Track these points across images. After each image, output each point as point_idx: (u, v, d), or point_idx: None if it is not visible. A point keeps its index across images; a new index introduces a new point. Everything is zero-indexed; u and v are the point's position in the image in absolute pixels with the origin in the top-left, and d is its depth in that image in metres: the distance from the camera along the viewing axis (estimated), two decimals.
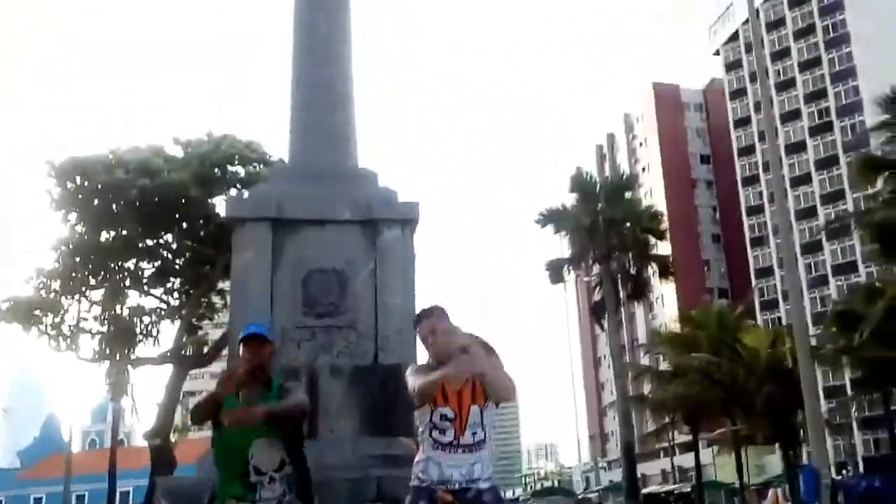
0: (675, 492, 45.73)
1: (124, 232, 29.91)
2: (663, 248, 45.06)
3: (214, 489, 4.15)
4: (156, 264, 32.17)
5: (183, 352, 33.20)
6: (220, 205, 29.59)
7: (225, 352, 27.74)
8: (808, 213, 65.93)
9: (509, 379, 4.20)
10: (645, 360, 59.26)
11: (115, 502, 35.28)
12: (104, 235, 30.19)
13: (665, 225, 43.46)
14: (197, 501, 5.31)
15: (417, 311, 4.48)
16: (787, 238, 23.73)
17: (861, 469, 51.54)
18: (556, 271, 41.60)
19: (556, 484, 79.49)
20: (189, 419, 4.14)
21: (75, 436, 51.18)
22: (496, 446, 4.29)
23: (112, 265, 30.67)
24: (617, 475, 58.56)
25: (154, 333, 33.28)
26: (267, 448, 4.06)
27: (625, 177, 46.14)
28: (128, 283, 32.01)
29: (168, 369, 33.51)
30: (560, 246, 46.02)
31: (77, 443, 57.23)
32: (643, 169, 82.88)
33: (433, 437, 4.07)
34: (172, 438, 34.77)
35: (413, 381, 4.19)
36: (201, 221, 30.68)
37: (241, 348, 4.19)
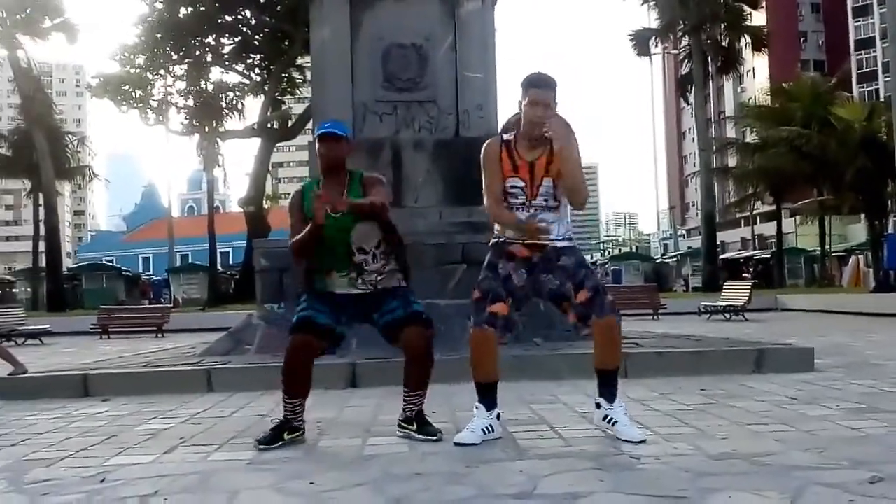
0: (755, 257, 46.08)
1: (202, 8, 29.85)
2: (758, 18, 42.44)
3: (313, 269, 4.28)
4: (235, 40, 32.32)
5: (268, 125, 34.09)
6: None
7: (309, 125, 28.38)
8: None
9: (586, 188, 4.12)
10: (731, 134, 57.88)
11: (217, 261, 37.83)
12: (182, 11, 30.21)
13: None
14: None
15: (528, 75, 4.06)
16: (893, 5, 22.08)
17: None
18: (642, 43, 39.89)
19: (633, 250, 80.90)
20: (294, 254, 4.26)
21: (174, 202, 53.97)
22: (574, 215, 4.32)
23: (193, 41, 30.90)
24: (695, 243, 59.18)
25: (239, 108, 34.12)
26: (367, 229, 4.20)
27: None
28: (209, 58, 32.39)
29: (256, 142, 34.62)
30: (648, 16, 43.85)
31: (176, 209, 60.39)
32: None
33: (507, 201, 4.09)
34: (265, 205, 36.52)
35: (490, 200, 4.10)
36: None
37: (316, 144, 4.24)
